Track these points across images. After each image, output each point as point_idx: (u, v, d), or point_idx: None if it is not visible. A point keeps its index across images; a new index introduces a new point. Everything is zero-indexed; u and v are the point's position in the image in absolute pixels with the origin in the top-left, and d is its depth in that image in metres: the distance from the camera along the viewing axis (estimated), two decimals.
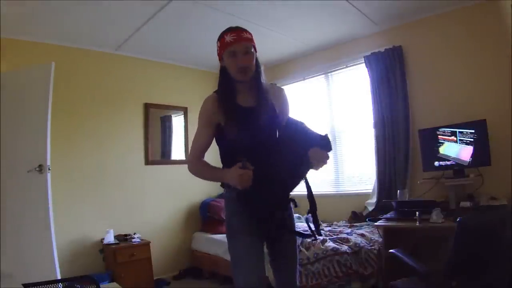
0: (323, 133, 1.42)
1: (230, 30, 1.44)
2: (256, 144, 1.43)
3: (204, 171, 1.53)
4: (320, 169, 1.39)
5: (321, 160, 1.36)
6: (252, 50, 1.45)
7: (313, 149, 1.36)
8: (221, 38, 1.45)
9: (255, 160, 1.36)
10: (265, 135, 1.47)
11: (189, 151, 1.62)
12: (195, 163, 1.55)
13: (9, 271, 2.56)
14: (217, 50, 1.48)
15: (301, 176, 1.45)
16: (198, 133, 1.54)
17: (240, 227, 1.47)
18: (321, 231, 3.09)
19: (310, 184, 1.49)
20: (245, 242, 1.46)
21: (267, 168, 1.38)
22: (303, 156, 1.36)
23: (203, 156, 1.56)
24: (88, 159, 3.46)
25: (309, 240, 1.59)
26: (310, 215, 1.50)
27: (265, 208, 1.41)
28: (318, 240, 2.73)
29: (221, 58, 1.48)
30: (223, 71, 1.49)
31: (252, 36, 1.46)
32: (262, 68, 1.51)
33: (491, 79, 2.84)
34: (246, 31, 1.45)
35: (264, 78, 1.52)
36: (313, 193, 1.49)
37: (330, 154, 1.40)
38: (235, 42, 1.40)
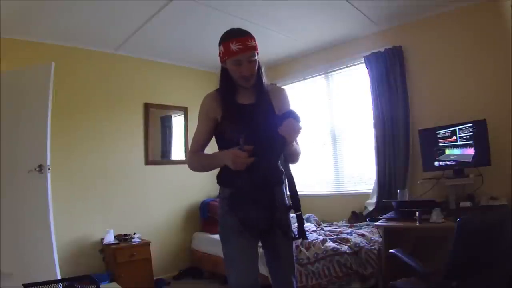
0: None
1: (235, 36, 1.40)
2: (253, 141, 1.44)
3: (202, 160, 1.55)
4: (293, 139, 1.40)
5: (291, 130, 1.35)
6: (256, 57, 1.44)
7: (284, 122, 1.36)
8: (225, 42, 1.41)
9: (251, 156, 1.37)
10: (262, 132, 1.48)
11: (189, 148, 1.63)
12: (194, 156, 1.56)
13: (9, 271, 2.56)
14: (220, 53, 1.45)
15: (278, 151, 1.46)
16: (198, 129, 1.57)
17: (233, 226, 1.46)
18: (322, 231, 3.10)
19: (294, 180, 1.49)
20: (238, 242, 1.46)
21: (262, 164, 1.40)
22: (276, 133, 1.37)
23: (202, 152, 1.58)
24: (88, 159, 3.46)
25: (297, 243, 1.59)
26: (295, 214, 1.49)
27: (257, 205, 1.43)
28: (318, 240, 2.73)
29: (223, 61, 1.46)
30: (224, 72, 1.50)
31: (255, 41, 1.43)
32: (263, 68, 1.52)
33: (491, 79, 2.84)
34: (250, 37, 1.42)
35: (265, 79, 1.54)
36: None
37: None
38: (241, 52, 1.38)
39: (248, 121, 1.45)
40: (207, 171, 1.58)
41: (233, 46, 1.38)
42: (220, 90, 1.53)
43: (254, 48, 1.42)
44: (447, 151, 2.84)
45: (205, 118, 1.54)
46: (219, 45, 1.45)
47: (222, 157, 1.43)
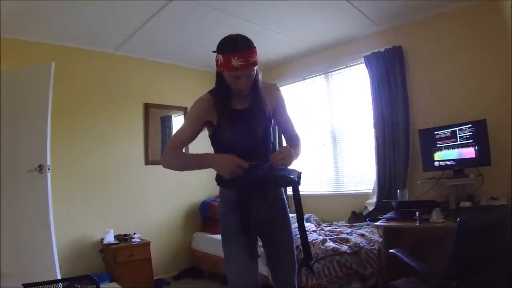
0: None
1: (237, 50, 1.31)
2: (247, 145, 1.44)
3: (181, 158, 1.51)
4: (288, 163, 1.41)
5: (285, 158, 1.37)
6: (255, 70, 1.40)
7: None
8: (225, 54, 1.33)
9: (244, 159, 1.38)
10: (256, 136, 1.48)
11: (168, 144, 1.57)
12: (172, 152, 1.51)
13: (9, 271, 2.56)
14: (218, 61, 1.37)
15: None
16: (183, 128, 1.54)
17: (234, 225, 1.46)
18: (322, 231, 3.10)
19: (306, 230, 1.50)
20: (239, 241, 1.46)
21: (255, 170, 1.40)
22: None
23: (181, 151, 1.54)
24: (88, 159, 3.46)
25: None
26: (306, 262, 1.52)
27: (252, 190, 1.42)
28: (318, 240, 2.73)
29: (220, 69, 1.40)
30: (220, 76, 1.45)
31: (256, 53, 1.36)
32: (260, 75, 1.52)
33: (491, 79, 2.83)
34: (253, 50, 1.34)
35: (260, 81, 1.52)
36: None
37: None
38: (242, 69, 1.32)
39: (243, 126, 1.45)
40: (183, 170, 1.53)
41: (234, 62, 1.30)
42: (215, 95, 1.49)
43: (256, 63, 1.36)
44: (447, 151, 2.84)
45: (196, 121, 1.50)
46: (219, 53, 1.36)
47: (212, 159, 1.41)
